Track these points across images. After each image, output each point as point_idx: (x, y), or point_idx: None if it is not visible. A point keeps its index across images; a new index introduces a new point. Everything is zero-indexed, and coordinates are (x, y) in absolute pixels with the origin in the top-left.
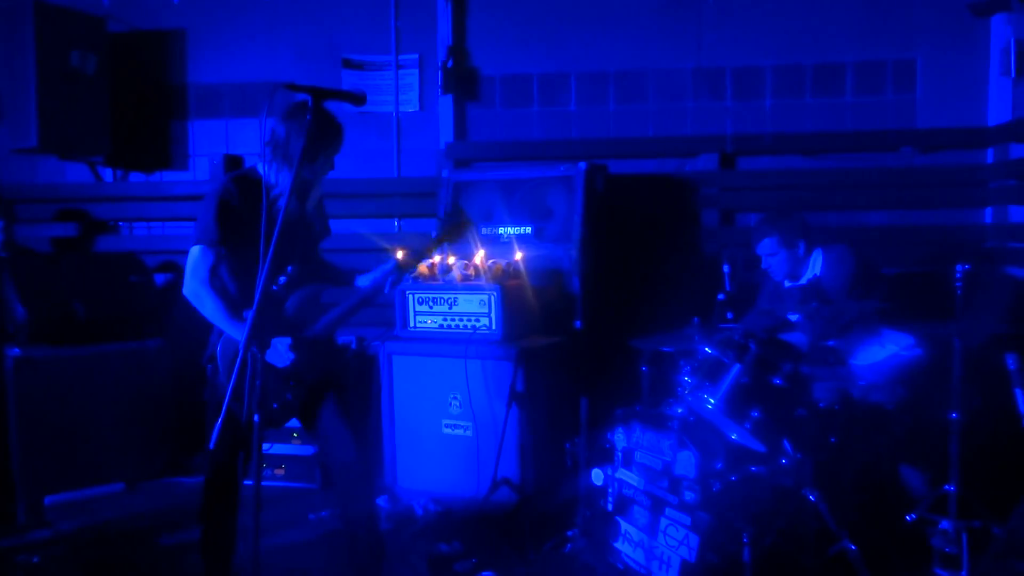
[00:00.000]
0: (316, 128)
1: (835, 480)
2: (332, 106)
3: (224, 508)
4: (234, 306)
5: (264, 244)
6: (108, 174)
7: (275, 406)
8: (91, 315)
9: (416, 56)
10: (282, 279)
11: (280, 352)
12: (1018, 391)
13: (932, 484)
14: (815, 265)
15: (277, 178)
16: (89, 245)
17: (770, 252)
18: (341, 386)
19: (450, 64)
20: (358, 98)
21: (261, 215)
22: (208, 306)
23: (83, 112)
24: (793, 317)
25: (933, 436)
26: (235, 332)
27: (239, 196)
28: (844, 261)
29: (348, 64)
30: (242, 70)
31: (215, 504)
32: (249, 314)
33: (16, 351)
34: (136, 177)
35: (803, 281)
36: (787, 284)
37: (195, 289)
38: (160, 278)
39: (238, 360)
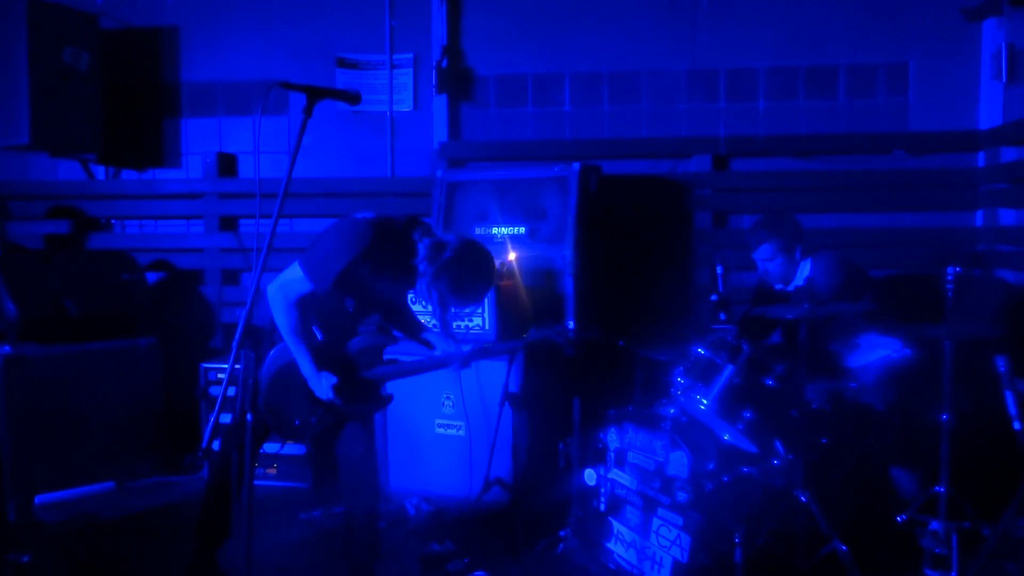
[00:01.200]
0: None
1: (826, 481)
2: (326, 104)
3: (226, 496)
4: (307, 326)
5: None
6: (100, 171)
7: (296, 423)
8: (82, 313)
9: (411, 55)
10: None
11: (323, 387)
12: (1008, 393)
13: (922, 485)
14: (804, 269)
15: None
16: (81, 243)
17: (768, 256)
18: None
19: (444, 64)
20: (352, 97)
21: (385, 282)
22: (281, 316)
23: (75, 109)
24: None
25: (924, 437)
26: (296, 349)
27: (375, 261)
28: (833, 265)
29: (342, 63)
30: (236, 68)
31: (218, 491)
32: (244, 312)
33: (7, 349)
34: (128, 175)
35: (793, 286)
36: (779, 287)
37: (278, 302)
38: (152, 276)
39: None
